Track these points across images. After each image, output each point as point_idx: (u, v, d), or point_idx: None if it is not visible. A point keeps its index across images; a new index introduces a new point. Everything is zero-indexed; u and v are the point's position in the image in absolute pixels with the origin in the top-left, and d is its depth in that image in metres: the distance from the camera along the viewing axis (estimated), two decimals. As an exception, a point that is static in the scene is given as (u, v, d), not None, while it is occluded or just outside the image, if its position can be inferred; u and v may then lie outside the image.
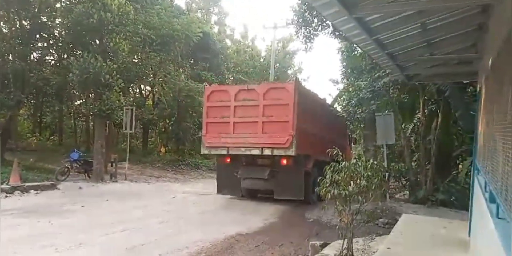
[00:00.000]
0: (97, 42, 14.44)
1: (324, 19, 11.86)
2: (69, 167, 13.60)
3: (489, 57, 3.62)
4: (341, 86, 21.79)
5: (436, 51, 5.56)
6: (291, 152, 10.14)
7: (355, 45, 15.41)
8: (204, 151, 11.61)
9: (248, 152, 10.60)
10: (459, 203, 10.41)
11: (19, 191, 10.63)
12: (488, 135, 3.21)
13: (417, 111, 12.77)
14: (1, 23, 15.86)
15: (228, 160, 11.29)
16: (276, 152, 10.36)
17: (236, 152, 10.79)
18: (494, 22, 3.71)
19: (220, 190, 11.75)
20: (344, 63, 17.97)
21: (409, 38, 4.75)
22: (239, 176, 11.08)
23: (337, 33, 12.68)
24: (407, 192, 12.53)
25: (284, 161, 10.53)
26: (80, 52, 13.96)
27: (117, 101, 14.04)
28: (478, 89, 5.23)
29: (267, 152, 10.42)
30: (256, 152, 10.46)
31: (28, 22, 15.92)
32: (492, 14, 3.90)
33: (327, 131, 12.56)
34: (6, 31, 15.72)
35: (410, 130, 13.69)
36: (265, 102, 10.49)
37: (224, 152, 10.98)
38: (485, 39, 4.61)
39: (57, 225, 7.58)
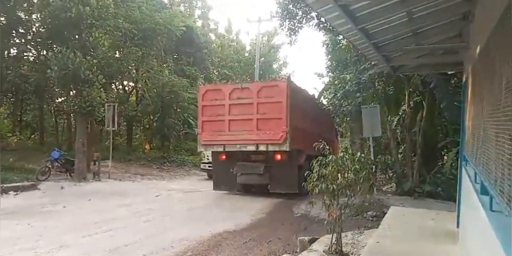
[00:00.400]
0: (76, 37, 14.00)
1: (309, 11, 11.75)
2: (50, 166, 13.24)
3: (476, 46, 3.53)
4: (326, 79, 21.75)
5: (422, 41, 5.47)
6: (286, 147, 10.53)
7: (339, 38, 15.36)
8: (200, 148, 12.09)
9: (243, 149, 11.00)
10: (445, 194, 10.49)
11: (-3, 193, 10.28)
12: (477, 126, 3.12)
13: (402, 103, 12.77)
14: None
15: (224, 157, 11.63)
16: (271, 148, 10.74)
17: (232, 149, 11.18)
18: (480, 10, 3.62)
19: (216, 186, 12.11)
20: (329, 56, 17.89)
21: (395, 28, 4.64)
22: (235, 172, 11.40)
23: (321, 25, 12.58)
24: (394, 184, 12.56)
25: (278, 156, 10.95)
26: (59, 47, 13.56)
27: (98, 98, 13.67)
28: (464, 80, 5.17)
29: (262, 148, 10.79)
30: (251, 148, 10.85)
31: (4, 17, 15.42)
32: (478, 2, 3.81)
33: (316, 125, 12.94)
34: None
35: (395, 122, 13.69)
36: (258, 100, 10.86)
37: (220, 149, 11.34)
38: (471, 28, 4.53)
39: (37, 227, 7.33)
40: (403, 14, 4.17)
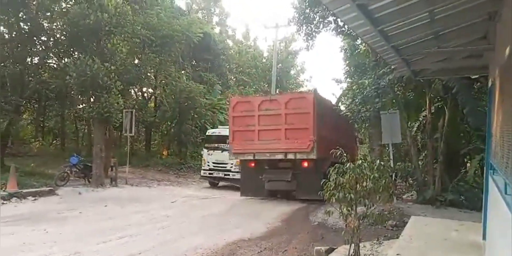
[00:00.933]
0: (95, 43, 14.18)
1: (326, 16, 11.59)
2: (69, 172, 13.35)
3: (505, 47, 3.30)
4: (344, 85, 21.49)
5: (444, 44, 5.24)
6: (313, 155, 11.10)
7: (358, 43, 15.15)
8: (231, 157, 12.79)
9: (272, 157, 11.63)
10: (469, 203, 10.11)
11: (16, 198, 10.38)
12: (509, 132, 2.90)
13: (423, 109, 12.43)
14: (1, 27, 15.70)
15: (253, 164, 12.26)
16: (298, 156, 11.31)
17: (261, 157, 11.80)
18: (509, 9, 3.39)
19: (244, 193, 12.68)
20: (347, 62, 17.66)
21: (415, 29, 4.43)
22: (264, 179, 11.86)
23: (339, 30, 12.39)
24: (414, 192, 12.17)
25: (305, 164, 11.50)
26: (78, 54, 13.76)
27: (116, 104, 13.76)
28: (490, 84, 4.90)
29: (290, 156, 11.36)
30: (280, 156, 11.48)
31: (28, 25, 15.77)
32: (505, 1, 3.58)
33: (338, 133, 13.36)
34: (5, 35, 15.55)
35: (415, 128, 13.33)
36: (286, 111, 11.52)
37: (250, 157, 11.96)
38: (497, 29, 4.29)
39: (53, 233, 7.32)
40: (425, 14, 3.97)
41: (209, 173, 16.67)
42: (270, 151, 11.55)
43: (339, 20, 11.95)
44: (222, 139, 15.56)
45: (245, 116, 12.11)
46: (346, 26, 11.92)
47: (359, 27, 3.96)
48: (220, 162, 16.21)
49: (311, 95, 11.63)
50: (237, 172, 14.61)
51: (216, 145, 16.58)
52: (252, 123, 11.88)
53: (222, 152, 15.88)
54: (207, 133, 17.99)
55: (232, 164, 15.48)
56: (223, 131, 15.83)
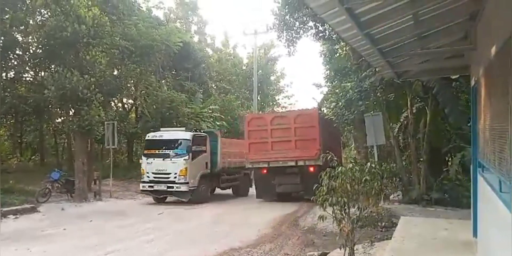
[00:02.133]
0: (73, 56, 13.94)
1: (306, 21, 11.68)
2: (50, 187, 12.99)
3: (489, 47, 3.35)
4: (324, 89, 21.69)
5: (427, 45, 5.32)
6: (320, 162, 11.62)
7: (336, 47, 15.32)
8: (248, 165, 14.39)
9: (284, 164, 13.28)
10: (453, 201, 10.26)
11: (-4, 217, 10.00)
12: (499, 129, 2.92)
13: (403, 110, 12.60)
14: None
15: (265, 171, 13.80)
16: (307, 163, 12.83)
17: (275, 165, 13.42)
18: (492, 9, 3.45)
19: (258, 196, 14.33)
20: (327, 66, 17.83)
21: (400, 32, 4.48)
22: (276, 183, 13.49)
23: (319, 35, 12.50)
24: (400, 192, 12.28)
25: (311, 169, 12.66)
26: (56, 67, 13.48)
27: (97, 116, 13.50)
28: (473, 83, 4.99)
29: (300, 163, 13.00)
30: (291, 163, 13.14)
31: (1, 39, 15.40)
32: (488, 1, 3.65)
33: (330, 139, 14.81)
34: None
35: (397, 129, 13.50)
36: (295, 125, 13.40)
37: (265, 165, 13.61)
38: (479, 28, 4.37)
39: (36, 252, 7.06)
40: (409, 17, 4.01)
41: (149, 186, 13.66)
42: (282, 159, 13.22)
43: (319, 25, 12.10)
44: (165, 144, 13.93)
45: (259, 130, 13.95)
46: (326, 31, 12.06)
47: (346, 31, 3.97)
48: (161, 172, 13.61)
49: (315, 112, 13.87)
50: (183, 183, 13.27)
51: (157, 151, 14.00)
52: (265, 136, 13.69)
53: (164, 159, 13.64)
54: (146, 138, 15.02)
55: (176, 174, 13.34)
56: (166, 134, 14.37)
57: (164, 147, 13.93)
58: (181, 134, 14.27)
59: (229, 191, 16.63)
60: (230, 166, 15.80)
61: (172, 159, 13.58)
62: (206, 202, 13.81)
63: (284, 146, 13.36)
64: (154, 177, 13.66)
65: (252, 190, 15.83)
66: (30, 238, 8.16)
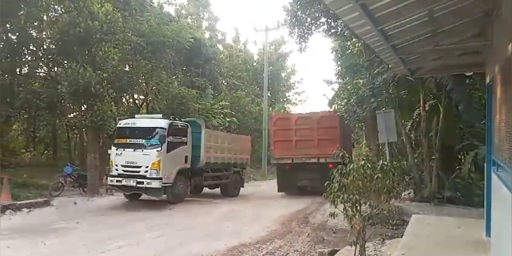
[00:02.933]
0: (86, 52, 14.03)
1: (318, 17, 11.61)
2: (63, 182, 13.14)
3: (507, 43, 3.28)
4: (335, 86, 21.57)
5: (441, 42, 5.24)
6: (339, 159, 12.81)
7: (348, 44, 15.19)
8: (273, 161, 16.27)
9: (307, 161, 14.47)
10: (465, 199, 10.17)
11: (10, 210, 10.16)
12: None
13: (416, 107, 12.48)
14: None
15: (288, 167, 15.00)
16: (328, 160, 13.29)
17: (298, 161, 14.70)
18: (510, 5, 3.38)
19: (280, 189, 15.41)
20: (339, 62, 17.70)
21: (414, 28, 4.42)
22: (297, 178, 14.71)
23: (331, 31, 12.41)
24: (411, 190, 12.21)
25: (331, 166, 14.06)
26: (69, 63, 13.59)
27: (109, 112, 13.59)
28: (488, 80, 4.91)
29: (322, 160, 13.94)
30: (314, 160, 14.28)
31: (16, 35, 15.59)
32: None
33: (346, 139, 16.01)
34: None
35: (409, 126, 13.40)
36: (318, 125, 14.69)
37: (289, 161, 14.93)
38: (496, 25, 4.29)
39: (50, 245, 7.17)
40: (423, 13, 3.96)
41: (117, 181, 11.94)
42: (305, 156, 14.48)
43: (331, 21, 12.01)
44: (138, 132, 12.26)
45: (284, 129, 15.26)
46: (338, 27, 11.96)
47: (359, 27, 3.94)
48: (131, 165, 11.91)
49: (337, 115, 14.91)
50: (155, 179, 11.59)
51: (128, 141, 12.23)
52: (290, 135, 14.99)
53: (134, 150, 11.98)
54: (117, 125, 12.95)
55: (147, 167, 11.69)
56: (140, 121, 12.80)
57: (136, 136, 12.16)
58: (156, 122, 12.38)
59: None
60: (217, 162, 14.55)
61: (144, 150, 11.85)
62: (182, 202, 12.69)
63: (307, 145, 14.58)
64: (124, 171, 11.91)
65: (243, 190, 16.26)
66: (44, 231, 8.30)
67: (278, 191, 15.33)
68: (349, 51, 14.05)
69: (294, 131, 14.97)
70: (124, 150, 12.11)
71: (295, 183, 14.77)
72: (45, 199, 11.69)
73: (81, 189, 13.67)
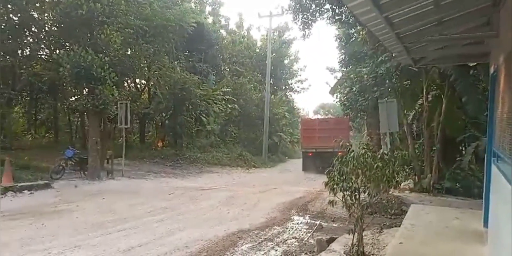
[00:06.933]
0: (88, 34, 13.92)
1: (322, 3, 11.44)
2: (64, 165, 13.20)
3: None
4: (338, 74, 21.51)
5: (446, 31, 5.16)
6: (345, 150, 16.81)
7: (352, 31, 15.03)
8: (301, 150, 22.91)
9: (325, 150, 18.29)
10: (464, 190, 10.19)
11: (12, 192, 10.24)
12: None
13: (419, 97, 12.40)
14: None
15: (310, 154, 21.11)
16: (338, 150, 16.26)
17: (318, 150, 20.20)
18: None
19: (305, 169, 21.24)
20: (342, 50, 17.55)
21: (420, 16, 4.34)
22: (318, 162, 19.03)
23: (336, 18, 12.25)
24: (411, 180, 12.24)
25: (340, 154, 16.46)
26: (71, 46, 13.50)
27: (110, 96, 13.57)
28: (492, 70, 4.85)
29: (335, 150, 16.14)
30: (329, 150, 16.74)
31: (17, 17, 15.43)
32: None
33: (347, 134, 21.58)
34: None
35: (411, 116, 13.33)
36: (333, 126, 20.50)
37: (313, 150, 20.88)
38: (502, 15, 4.22)
39: (51, 226, 7.25)
40: (430, 1, 3.88)
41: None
42: (324, 148, 18.95)
43: (336, 7, 11.84)
44: None
45: (309, 129, 21.91)
46: (343, 14, 11.80)
47: (365, 14, 3.86)
48: None
49: (347, 119, 21.05)
50: None
51: None
52: (314, 132, 21.32)
53: None
54: None
55: None
56: None
57: None
58: None
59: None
60: None
61: None
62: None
63: (325, 139, 18.74)
64: None
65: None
66: (44, 214, 8.39)
67: (303, 170, 21.27)
68: (353, 39, 13.89)
69: (317, 130, 21.27)
70: None
71: (314, 166, 19.63)
72: (46, 181, 11.76)
73: (81, 172, 13.75)
